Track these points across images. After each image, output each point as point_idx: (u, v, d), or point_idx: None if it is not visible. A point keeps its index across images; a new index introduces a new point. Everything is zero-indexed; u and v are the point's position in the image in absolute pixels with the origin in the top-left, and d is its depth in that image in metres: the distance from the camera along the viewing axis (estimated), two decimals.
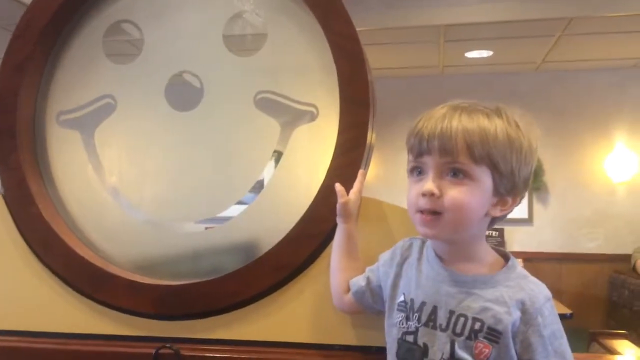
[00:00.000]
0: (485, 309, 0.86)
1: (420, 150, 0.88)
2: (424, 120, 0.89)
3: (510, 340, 0.84)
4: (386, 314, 0.98)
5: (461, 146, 0.85)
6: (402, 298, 0.94)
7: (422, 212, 0.88)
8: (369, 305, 1.04)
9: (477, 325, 0.85)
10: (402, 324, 0.92)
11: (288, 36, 1.28)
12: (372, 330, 1.12)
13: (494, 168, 0.86)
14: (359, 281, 1.05)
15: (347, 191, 1.11)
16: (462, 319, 0.87)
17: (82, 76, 1.37)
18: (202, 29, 1.34)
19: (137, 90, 1.36)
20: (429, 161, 0.88)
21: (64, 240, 1.26)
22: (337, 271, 1.10)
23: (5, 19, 3.79)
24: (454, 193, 0.86)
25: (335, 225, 1.12)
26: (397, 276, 0.98)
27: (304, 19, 1.25)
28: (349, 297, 1.07)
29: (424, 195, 0.87)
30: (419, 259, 0.96)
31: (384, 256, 1.03)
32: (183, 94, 1.34)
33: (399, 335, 0.92)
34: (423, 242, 0.99)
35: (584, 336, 2.24)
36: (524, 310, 0.85)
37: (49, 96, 1.38)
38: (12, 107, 1.32)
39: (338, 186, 1.12)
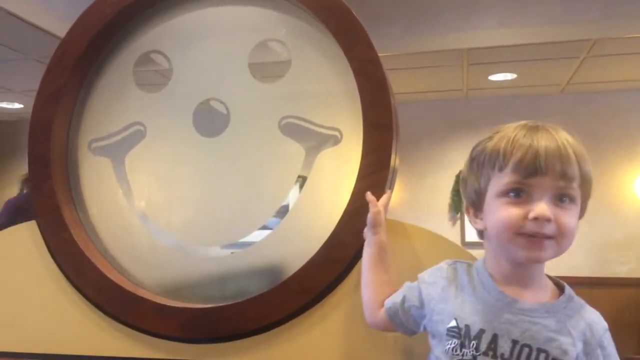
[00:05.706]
0: (550, 340, 0.84)
1: (535, 170, 0.84)
2: (531, 138, 0.86)
3: None
4: (433, 338, 0.94)
5: (577, 173, 0.85)
6: (453, 323, 0.90)
7: (532, 235, 0.85)
8: (399, 324, 1.00)
9: (542, 357, 0.84)
10: (456, 351, 0.87)
11: (312, 62, 1.31)
12: (397, 356, 1.12)
13: (586, 192, 0.89)
14: (394, 298, 1.01)
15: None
16: (526, 350, 0.84)
17: (114, 105, 1.42)
18: (228, 58, 1.37)
19: (166, 117, 1.40)
20: (543, 184, 0.84)
21: (95, 265, 1.29)
22: (371, 286, 1.05)
23: (40, 52, 3.93)
24: (565, 219, 0.85)
25: (359, 249, 1.12)
26: (443, 300, 0.93)
27: (327, 45, 1.28)
28: (382, 314, 1.02)
29: (536, 219, 0.83)
30: (471, 283, 0.93)
31: (425, 277, 0.98)
32: (210, 121, 1.37)
33: None
34: (469, 266, 0.96)
35: None
36: (586, 341, 0.85)
37: (81, 125, 1.43)
38: (46, 137, 1.36)
39: (369, 195, 1.10)
